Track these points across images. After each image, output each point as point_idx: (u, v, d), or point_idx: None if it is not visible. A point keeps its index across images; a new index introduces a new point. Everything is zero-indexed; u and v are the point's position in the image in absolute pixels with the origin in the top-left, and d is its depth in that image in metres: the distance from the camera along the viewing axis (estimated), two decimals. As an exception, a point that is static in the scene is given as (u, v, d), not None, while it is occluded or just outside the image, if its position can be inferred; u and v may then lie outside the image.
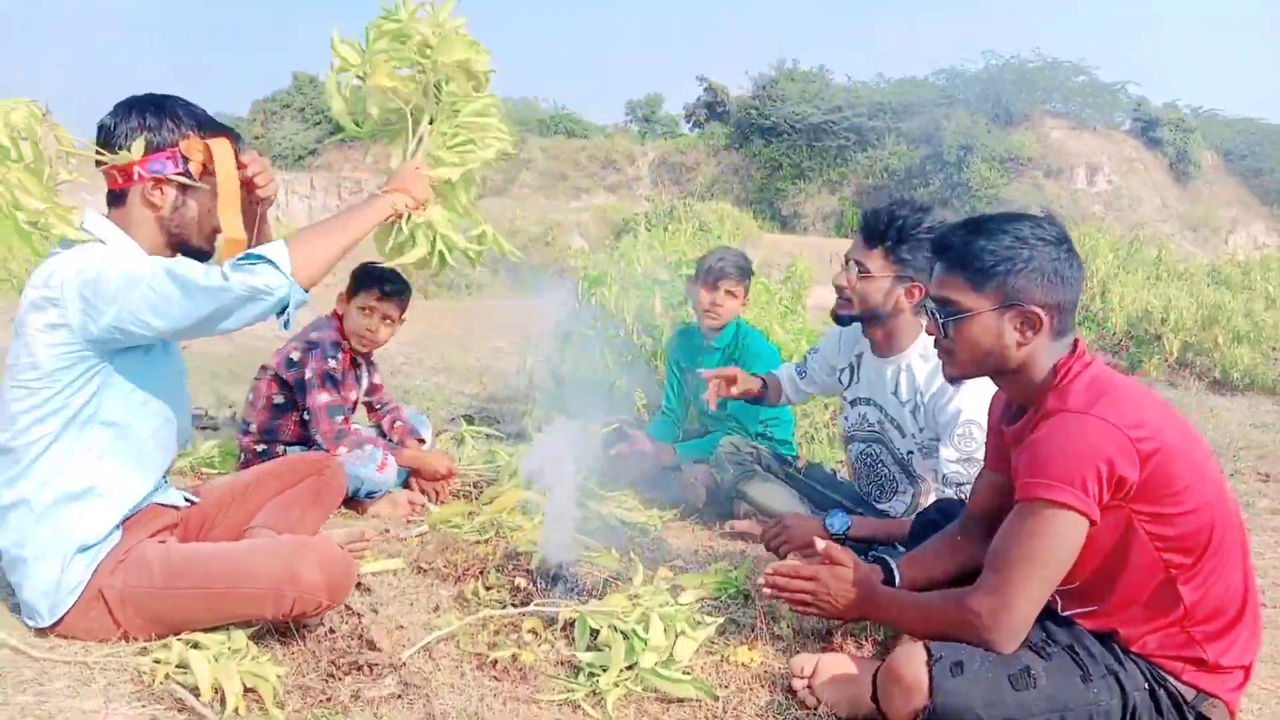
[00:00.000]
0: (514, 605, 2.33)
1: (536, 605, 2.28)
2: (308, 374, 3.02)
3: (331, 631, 2.14)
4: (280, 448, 3.07)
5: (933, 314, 1.92)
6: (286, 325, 2.04)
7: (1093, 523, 1.68)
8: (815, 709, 1.93)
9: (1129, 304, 8.85)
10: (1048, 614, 1.84)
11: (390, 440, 3.30)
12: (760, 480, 3.04)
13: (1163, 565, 1.72)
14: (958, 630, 1.78)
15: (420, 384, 5.85)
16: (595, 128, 50.63)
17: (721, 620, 2.27)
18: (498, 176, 44.75)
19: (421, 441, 3.37)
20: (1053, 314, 1.81)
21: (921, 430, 2.58)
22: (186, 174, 2.05)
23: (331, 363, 3.06)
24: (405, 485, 3.23)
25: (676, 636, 2.14)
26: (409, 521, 2.99)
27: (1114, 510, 1.70)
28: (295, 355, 3.08)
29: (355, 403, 3.29)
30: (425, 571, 2.58)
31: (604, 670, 2.00)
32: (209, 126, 2.08)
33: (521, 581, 2.44)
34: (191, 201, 2.09)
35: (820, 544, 2.12)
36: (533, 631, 2.23)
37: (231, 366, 5.62)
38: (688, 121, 49.83)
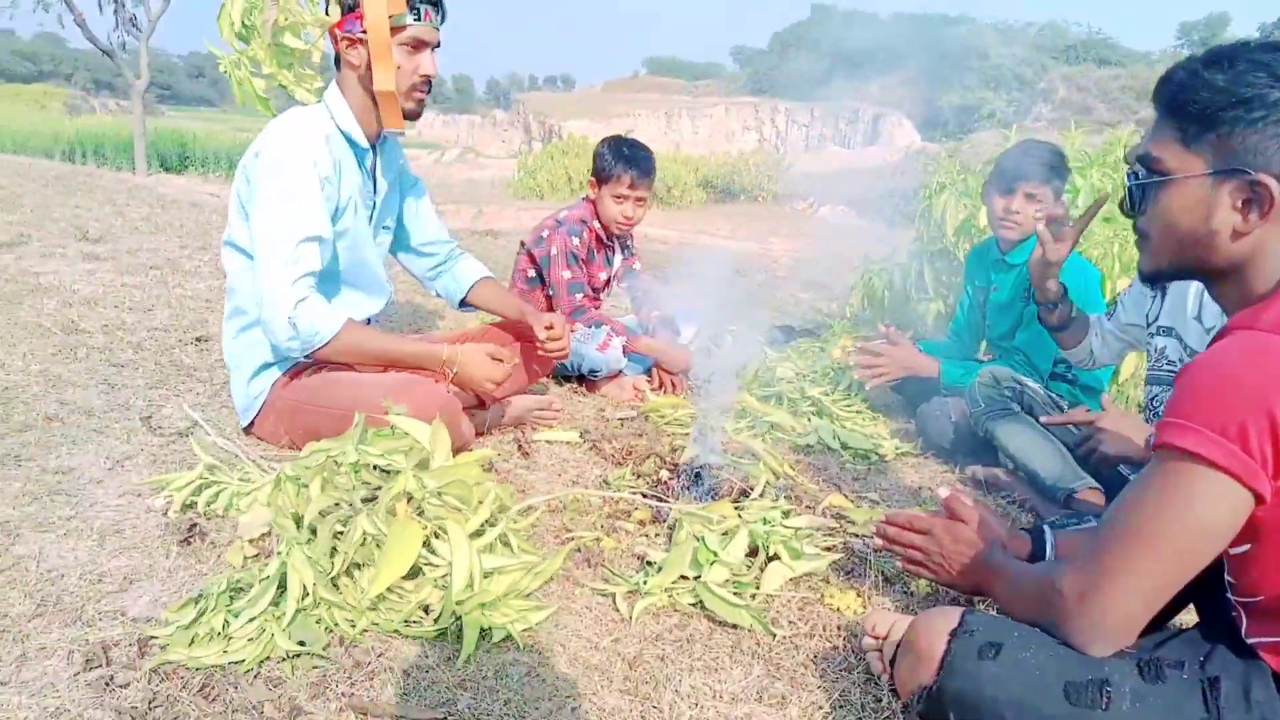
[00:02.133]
0: (642, 494, 2.20)
1: (646, 496, 2.13)
2: (552, 251, 3.10)
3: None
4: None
5: (1128, 178, 1.36)
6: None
7: (1259, 497, 1.10)
8: (878, 677, 1.56)
9: None
10: (1227, 634, 1.27)
11: (643, 329, 3.28)
12: (1014, 422, 2.48)
13: None
14: (1040, 613, 1.30)
15: (784, 295, 5.73)
16: (1136, 54, 44.64)
17: (839, 557, 1.92)
18: (1009, 108, 41.65)
19: (677, 332, 3.30)
20: None
21: None
22: (366, 32, 2.16)
23: (575, 241, 3.11)
24: (649, 373, 3.20)
25: (769, 560, 1.87)
26: (630, 405, 2.96)
27: None
28: (545, 233, 3.17)
29: (607, 283, 3.31)
30: (598, 449, 2.54)
31: (659, 572, 1.81)
32: None
33: (666, 475, 2.30)
34: None
35: (944, 492, 1.68)
36: (640, 522, 2.09)
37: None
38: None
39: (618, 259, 3.36)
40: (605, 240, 3.25)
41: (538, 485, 2.29)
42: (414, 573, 1.61)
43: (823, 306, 5.44)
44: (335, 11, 2.16)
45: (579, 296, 3.09)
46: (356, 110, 2.24)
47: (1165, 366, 2.16)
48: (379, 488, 1.69)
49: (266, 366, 2.26)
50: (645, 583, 1.78)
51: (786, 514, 2.01)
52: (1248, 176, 1.18)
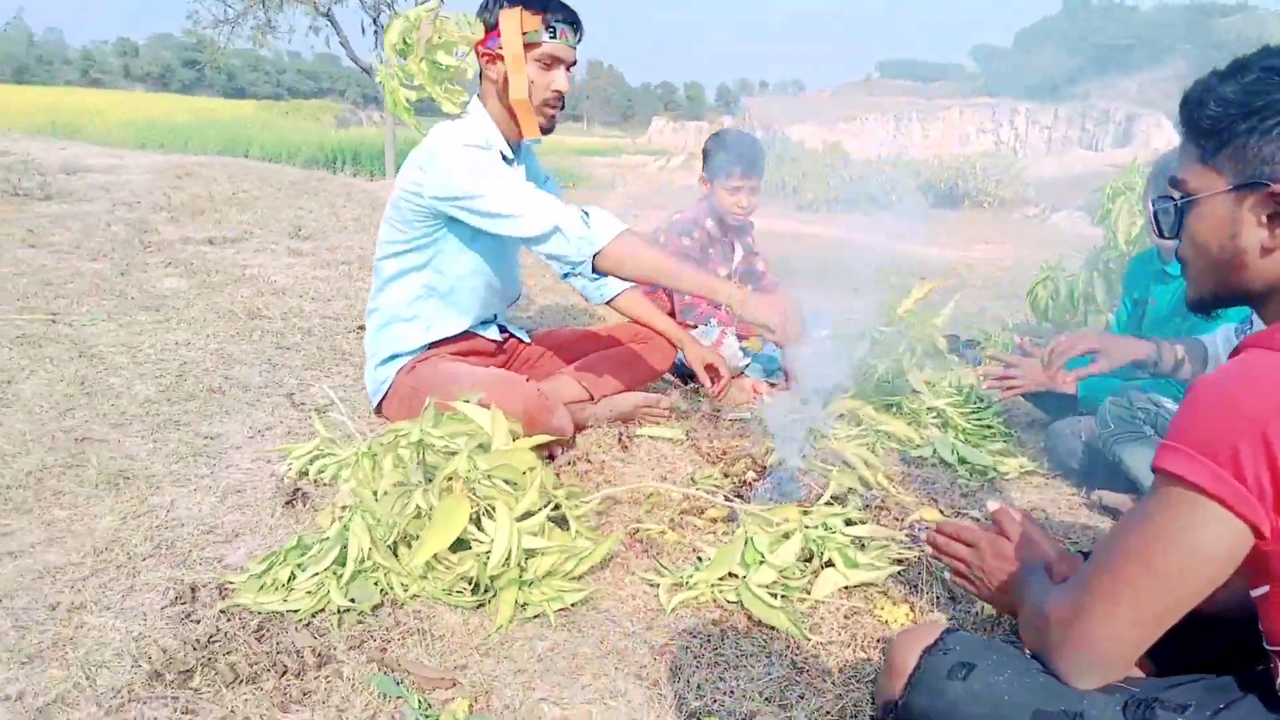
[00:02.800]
0: (725, 493, 2.22)
1: (716, 494, 2.14)
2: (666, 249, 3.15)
3: (551, 459, 2.34)
4: (656, 318, 3.26)
5: (1153, 203, 1.28)
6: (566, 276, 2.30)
7: (1255, 529, 1.00)
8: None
9: None
10: (1260, 686, 1.15)
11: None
12: (1144, 446, 2.27)
13: None
14: (1032, 641, 1.23)
15: (964, 303, 5.43)
16: None
17: (899, 569, 1.86)
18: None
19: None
20: None
21: None
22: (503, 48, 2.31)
23: (685, 240, 3.14)
24: (774, 375, 3.18)
25: (823, 566, 1.84)
26: (746, 406, 2.96)
27: None
28: (660, 237, 3.22)
29: (727, 279, 3.30)
30: (696, 447, 2.57)
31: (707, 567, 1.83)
32: (531, 4, 2.28)
33: (753, 476, 2.29)
34: None
35: (993, 505, 1.60)
36: (713, 520, 2.11)
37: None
38: None
39: (737, 255, 3.36)
40: (721, 237, 3.27)
41: (626, 477, 2.35)
42: (463, 546, 1.72)
43: (1008, 318, 5.13)
44: (479, 30, 2.33)
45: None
46: (496, 121, 2.40)
47: None
48: (438, 467, 1.82)
49: (393, 358, 2.47)
50: (691, 576, 1.80)
51: (851, 522, 1.96)
52: (1268, 188, 1.07)
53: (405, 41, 2.46)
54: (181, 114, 19.66)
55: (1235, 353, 1.10)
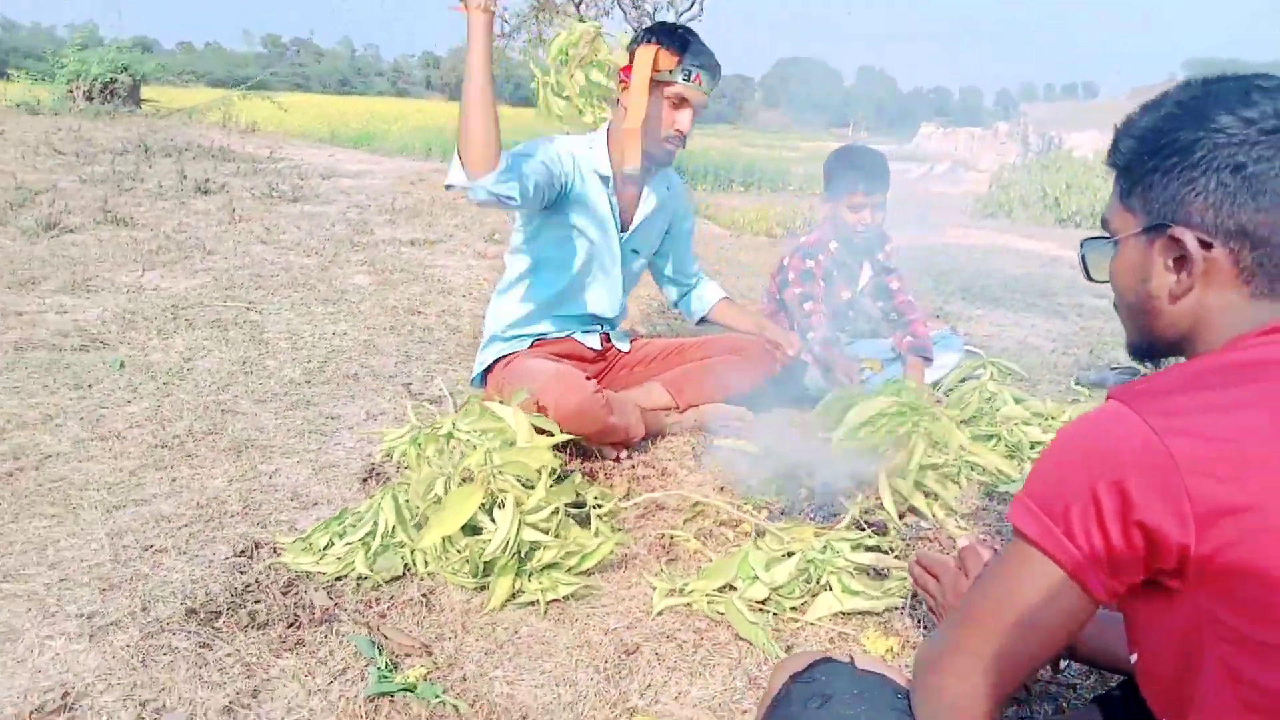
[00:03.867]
0: (768, 509, 2.24)
1: (757, 512, 2.16)
2: (790, 274, 3.15)
3: (617, 461, 2.47)
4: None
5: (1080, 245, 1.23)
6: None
7: (1085, 587, 0.96)
8: None
9: None
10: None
11: (894, 354, 3.17)
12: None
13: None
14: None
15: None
16: None
17: (900, 601, 1.81)
18: None
19: (928, 361, 3.13)
20: (1236, 248, 0.99)
21: None
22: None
23: (809, 262, 3.12)
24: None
25: (822, 589, 1.84)
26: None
27: (1172, 599, 0.94)
28: (785, 260, 3.21)
29: (852, 299, 3.24)
30: (767, 463, 2.59)
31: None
32: (670, 44, 2.45)
33: (803, 492, 2.29)
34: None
35: (962, 542, 1.56)
36: (745, 533, 2.14)
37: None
38: None
39: (864, 275, 3.29)
40: (847, 258, 3.22)
41: (683, 484, 2.42)
42: (475, 531, 1.89)
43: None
44: (624, 58, 2.52)
45: (807, 306, 3.11)
46: (614, 145, 2.57)
47: None
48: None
49: (493, 340, 2.70)
50: (685, 583, 1.86)
51: (871, 549, 1.94)
52: (1169, 231, 1.01)
53: (566, 53, 2.67)
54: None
55: (1106, 399, 1.04)
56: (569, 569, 1.89)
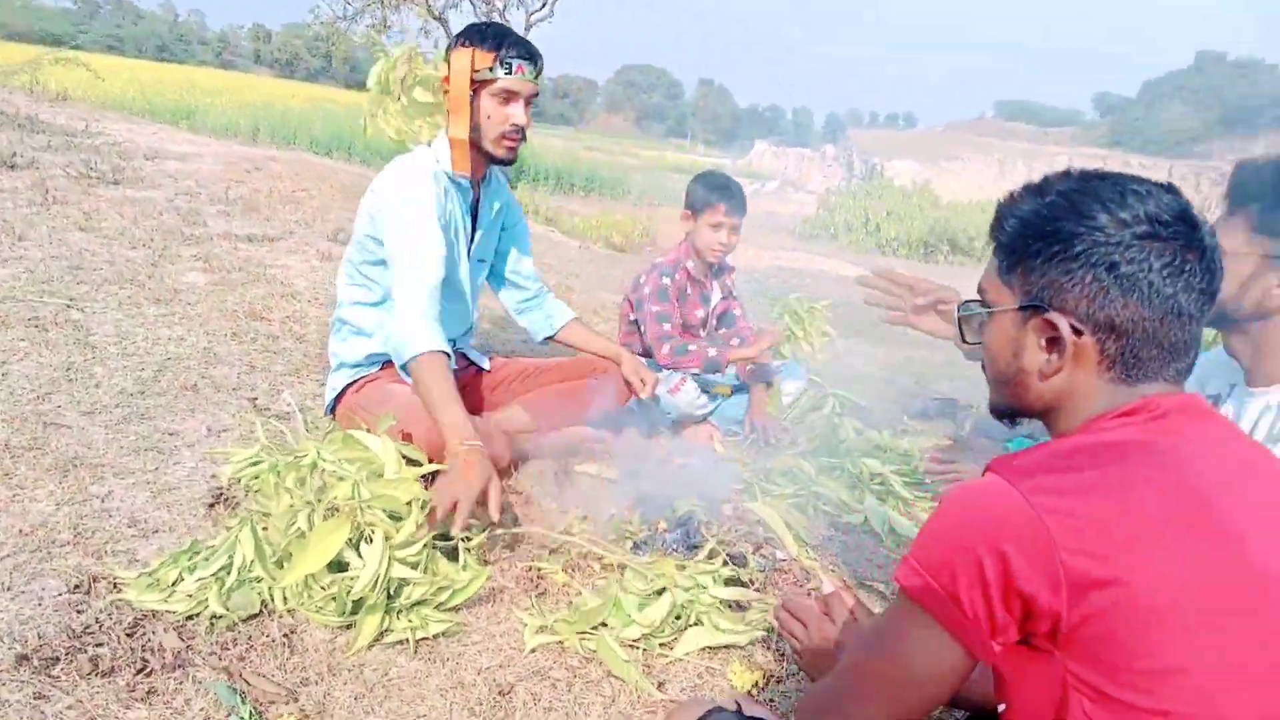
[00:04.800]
0: (632, 541, 2.28)
1: (598, 541, 2.20)
2: (645, 291, 3.23)
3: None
4: (635, 359, 3.34)
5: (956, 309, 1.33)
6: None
7: (968, 649, 1.04)
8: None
9: None
10: None
11: (737, 380, 3.29)
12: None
13: None
14: None
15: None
16: None
17: (761, 634, 1.89)
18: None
19: (769, 385, 3.28)
20: (1103, 338, 1.10)
21: None
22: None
23: (666, 280, 3.21)
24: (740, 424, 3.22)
25: (689, 625, 1.89)
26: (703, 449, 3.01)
27: (1043, 657, 1.03)
28: (641, 278, 3.30)
29: (704, 321, 3.36)
30: (627, 490, 2.63)
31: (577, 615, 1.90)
32: (483, 43, 2.40)
33: (664, 524, 2.34)
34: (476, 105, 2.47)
35: (827, 588, 1.65)
36: (608, 566, 2.17)
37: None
38: None
39: (715, 298, 3.40)
40: (701, 278, 3.33)
41: (548, 513, 2.42)
42: (341, 567, 1.82)
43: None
44: (444, 68, 2.47)
45: (665, 326, 3.19)
46: (457, 150, 2.52)
47: None
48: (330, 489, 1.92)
49: (344, 366, 2.62)
50: (556, 621, 1.87)
51: (730, 581, 2.01)
52: (1046, 314, 1.11)
53: (385, 82, 2.61)
54: (299, 100, 20.39)
55: (985, 470, 1.13)
56: (438, 605, 1.86)
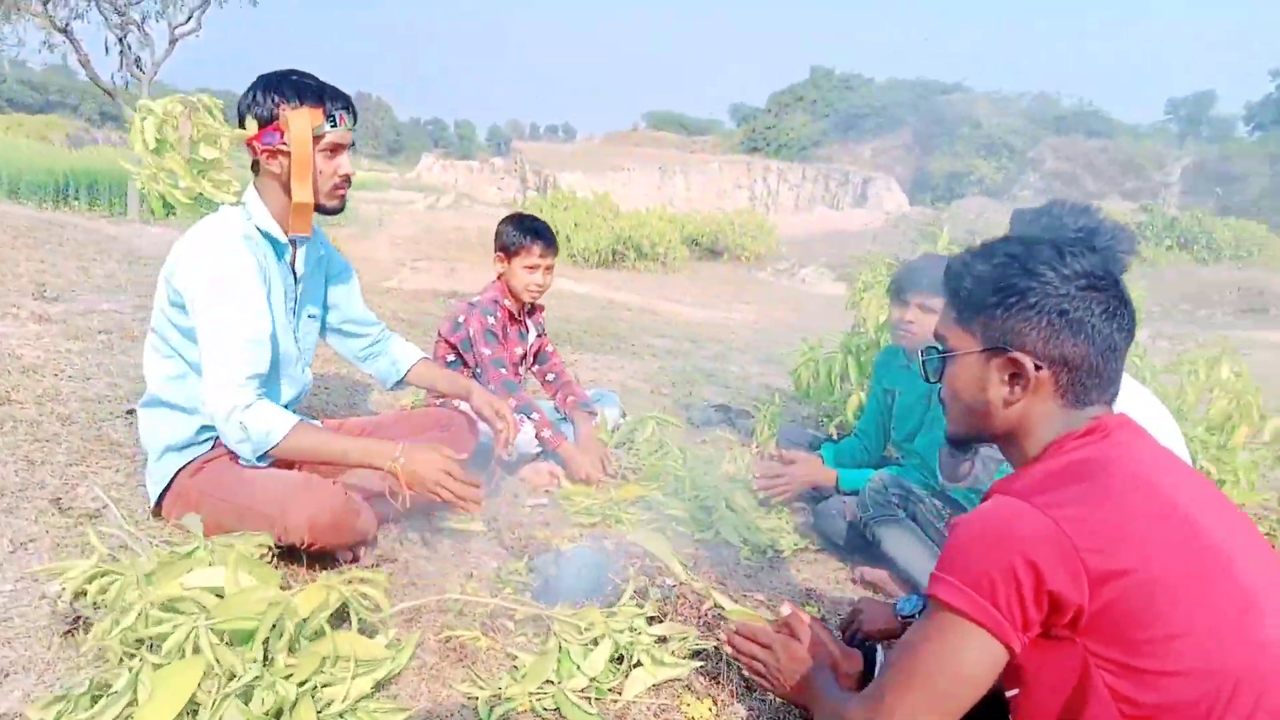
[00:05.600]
0: (530, 591, 2.29)
1: (528, 598, 2.21)
2: (471, 331, 3.24)
3: (354, 562, 2.32)
4: (457, 403, 3.30)
5: (921, 353, 1.54)
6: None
7: (1008, 647, 1.23)
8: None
9: None
10: None
11: (560, 414, 3.38)
12: (897, 528, 2.59)
13: None
14: None
15: (735, 370, 5.84)
16: (1124, 128, 45.78)
17: (700, 664, 2.01)
18: (998, 175, 42.53)
19: (593, 414, 3.40)
20: (1058, 371, 1.35)
21: None
22: (286, 144, 2.29)
23: (490, 320, 3.25)
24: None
25: (632, 667, 1.95)
26: (546, 491, 3.05)
27: (1064, 644, 1.23)
28: (460, 318, 3.31)
29: (523, 359, 3.43)
30: (500, 540, 2.63)
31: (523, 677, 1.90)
32: (310, 98, 2.30)
33: (554, 570, 2.38)
34: None
35: (785, 610, 1.80)
36: (519, 619, 2.17)
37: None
38: (1247, 124, 43.16)
39: (531, 335, 3.48)
40: (517, 317, 3.38)
41: (432, 575, 2.37)
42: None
43: (771, 382, 5.56)
44: (253, 125, 2.30)
45: (504, 371, 3.21)
46: (276, 211, 2.37)
47: None
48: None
49: (170, 450, 2.36)
50: (507, 688, 1.86)
51: (653, 620, 2.11)
52: (1009, 354, 1.34)
53: (159, 139, 2.39)
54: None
55: (986, 496, 1.34)
56: (370, 694, 1.78)
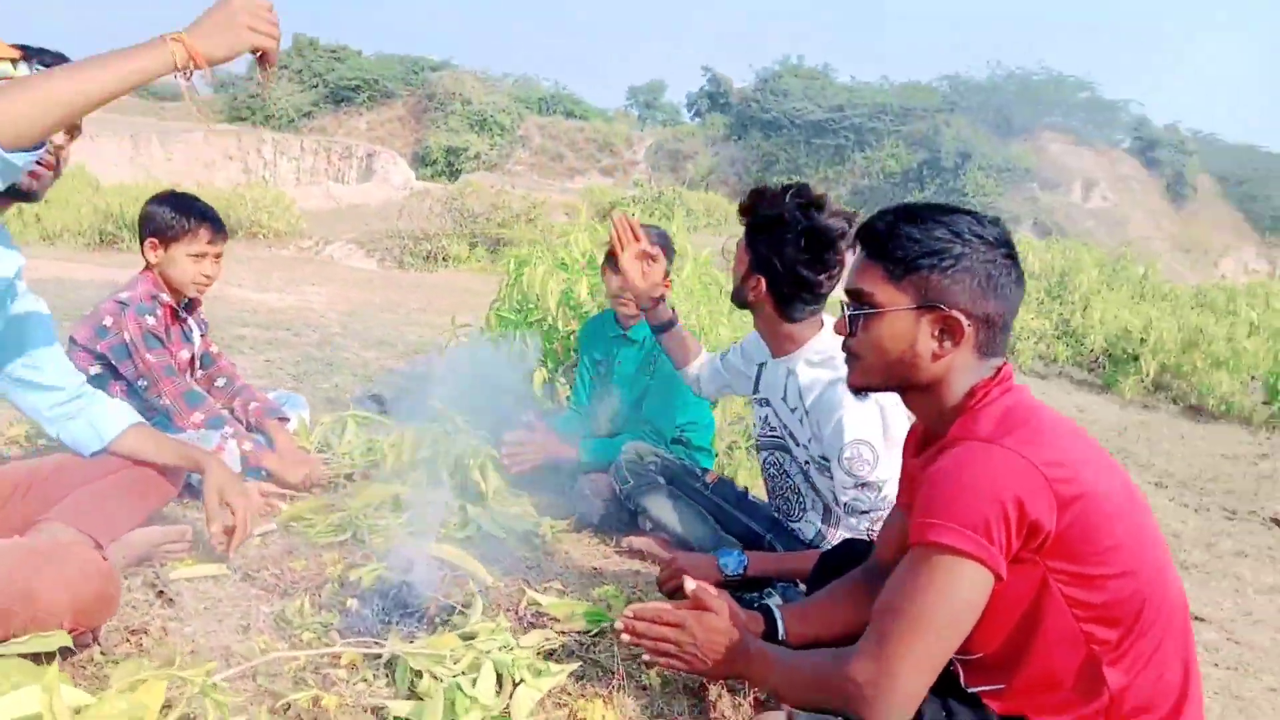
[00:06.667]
0: (337, 632, 1.97)
1: (352, 638, 1.92)
2: (127, 336, 2.63)
3: (102, 654, 1.79)
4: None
5: (843, 307, 1.60)
6: None
7: (999, 577, 1.36)
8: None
9: (1110, 322, 8.54)
10: (949, 687, 1.52)
11: (241, 423, 2.89)
12: (662, 495, 2.69)
13: (1084, 640, 1.41)
14: (833, 700, 1.46)
15: (350, 356, 5.46)
16: (595, 110, 50.41)
17: (577, 666, 1.92)
18: (492, 151, 44.49)
19: (285, 421, 2.98)
20: (979, 326, 1.51)
21: (810, 441, 2.27)
22: None
23: (150, 320, 2.67)
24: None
25: (515, 686, 1.80)
26: (264, 517, 2.62)
27: (1026, 565, 1.39)
28: (107, 320, 2.68)
29: (190, 363, 2.88)
30: (252, 580, 2.22)
31: (414, 726, 1.65)
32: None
33: (354, 603, 2.07)
34: None
35: (690, 585, 1.78)
36: (352, 666, 1.87)
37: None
38: (689, 110, 49.87)
39: (196, 335, 2.92)
40: (179, 315, 2.82)
41: (198, 639, 1.92)
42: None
43: (396, 366, 5.29)
44: None
45: (181, 379, 2.66)
46: None
47: (769, 434, 2.46)
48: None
49: None
50: (397, 743, 1.61)
51: (517, 633, 1.96)
52: (944, 311, 1.48)
53: None
54: None
55: (947, 444, 1.47)
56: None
